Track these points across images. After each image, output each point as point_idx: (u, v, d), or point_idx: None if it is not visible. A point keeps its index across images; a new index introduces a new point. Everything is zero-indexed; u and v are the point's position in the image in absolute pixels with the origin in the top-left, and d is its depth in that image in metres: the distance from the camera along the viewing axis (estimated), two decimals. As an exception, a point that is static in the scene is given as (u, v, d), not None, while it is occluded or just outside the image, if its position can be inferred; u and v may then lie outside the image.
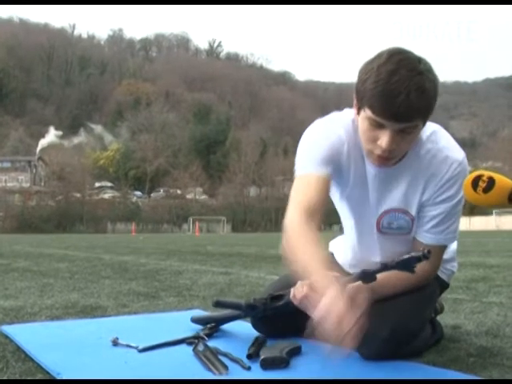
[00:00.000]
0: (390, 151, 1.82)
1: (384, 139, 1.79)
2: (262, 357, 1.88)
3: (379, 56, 1.79)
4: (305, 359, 1.97)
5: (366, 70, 1.79)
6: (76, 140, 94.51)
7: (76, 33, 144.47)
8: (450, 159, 1.96)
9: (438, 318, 2.57)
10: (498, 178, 1.55)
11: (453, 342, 2.37)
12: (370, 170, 2.01)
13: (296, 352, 2.01)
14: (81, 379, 1.73)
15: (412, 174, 1.99)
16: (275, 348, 1.95)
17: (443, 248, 2.08)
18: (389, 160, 1.89)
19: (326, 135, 2.02)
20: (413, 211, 2.03)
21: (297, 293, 1.88)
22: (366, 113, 1.80)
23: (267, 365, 1.85)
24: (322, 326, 1.56)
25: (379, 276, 1.85)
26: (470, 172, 1.67)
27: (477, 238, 20.82)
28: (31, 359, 2.01)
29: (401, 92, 1.70)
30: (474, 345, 2.30)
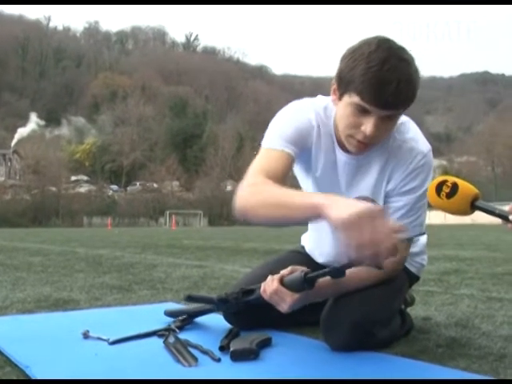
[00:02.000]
0: (373, 136, 1.84)
1: (368, 125, 1.81)
2: (231, 348, 1.88)
3: (368, 43, 1.79)
4: (274, 351, 1.98)
5: (355, 56, 1.79)
6: (58, 131, 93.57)
7: (51, 25, 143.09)
8: (415, 151, 1.99)
9: (410, 309, 2.59)
10: (462, 184, 1.57)
11: (423, 333, 2.39)
12: (341, 157, 2.04)
13: (266, 343, 2.02)
14: (49, 371, 1.73)
15: (381, 164, 2.02)
16: (245, 340, 1.95)
17: (409, 241, 2.08)
18: (368, 146, 1.91)
19: (297, 117, 2.04)
20: (380, 201, 2.05)
21: (267, 287, 1.90)
22: (352, 99, 1.80)
23: (236, 356, 1.86)
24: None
25: (352, 271, 1.90)
26: (445, 173, 1.69)
27: (451, 232, 21.01)
28: (0, 352, 1.99)
29: (392, 81, 1.72)
30: (443, 336, 2.32)
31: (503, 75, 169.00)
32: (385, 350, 2.01)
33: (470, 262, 6.33)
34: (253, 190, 1.82)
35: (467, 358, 1.93)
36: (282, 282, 1.88)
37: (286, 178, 1.94)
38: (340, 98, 1.87)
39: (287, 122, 2.03)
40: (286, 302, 1.87)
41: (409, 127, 2.04)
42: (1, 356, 1.96)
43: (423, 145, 2.03)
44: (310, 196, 1.78)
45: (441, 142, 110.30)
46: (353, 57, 1.80)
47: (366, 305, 1.97)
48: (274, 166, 1.92)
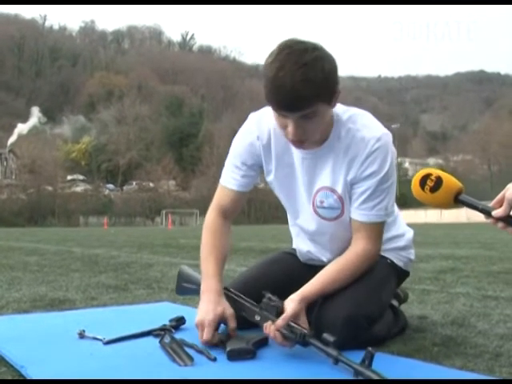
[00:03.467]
0: (299, 136, 1.93)
1: (289, 127, 1.92)
2: (228, 348, 1.88)
3: (272, 52, 1.90)
4: (271, 350, 1.97)
5: (264, 67, 1.90)
6: (59, 129, 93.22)
7: (47, 24, 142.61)
8: (368, 137, 2.05)
9: (406, 308, 2.59)
10: (446, 178, 1.58)
11: (418, 331, 2.39)
12: (298, 154, 2.14)
13: (263, 343, 2.01)
14: (44, 371, 1.72)
15: (335, 154, 2.10)
16: (242, 339, 1.95)
17: (378, 225, 2.13)
18: (302, 143, 2.00)
19: (241, 142, 2.26)
20: (339, 190, 2.12)
21: (273, 337, 1.90)
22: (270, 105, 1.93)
23: (233, 356, 1.86)
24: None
25: (327, 274, 2.06)
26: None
27: (447, 230, 21.04)
28: (-4, 352, 1.99)
29: (285, 86, 1.81)
30: (439, 334, 2.32)
31: (499, 74, 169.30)
32: (381, 349, 2.01)
33: (466, 261, 6.34)
34: (203, 238, 2.29)
35: (463, 357, 1.93)
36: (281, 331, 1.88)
37: (238, 207, 2.33)
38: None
39: (235, 151, 2.27)
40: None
41: (361, 116, 2.12)
42: (-4, 356, 1.95)
43: (376, 130, 2.08)
44: (203, 281, 2.21)
45: (437, 141, 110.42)
46: (264, 66, 1.90)
47: (354, 299, 2.01)
48: (227, 203, 2.30)
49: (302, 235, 2.37)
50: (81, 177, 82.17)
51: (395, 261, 2.31)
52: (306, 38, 1.93)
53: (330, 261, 2.20)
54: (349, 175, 2.08)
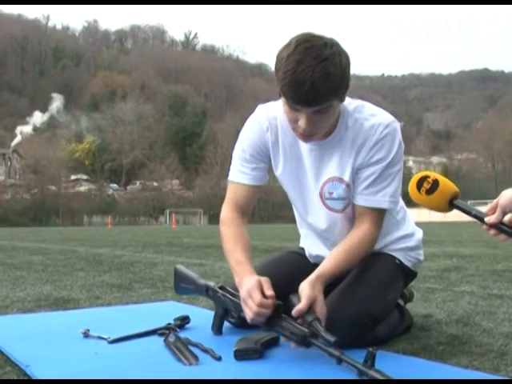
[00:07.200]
0: (310, 130, 1.93)
1: (302, 121, 1.91)
2: (235, 347, 1.87)
3: (288, 45, 1.87)
4: (279, 350, 1.96)
5: (278, 59, 1.88)
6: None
7: (50, 24, 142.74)
8: (376, 124, 2.06)
9: (411, 307, 2.59)
10: (443, 181, 1.59)
11: (423, 330, 2.39)
12: (305, 146, 2.13)
13: (273, 343, 1.99)
14: (49, 371, 1.72)
15: (343, 144, 2.10)
16: (251, 339, 1.93)
17: (381, 212, 2.12)
18: (311, 137, 2.00)
19: (250, 133, 2.22)
20: (347, 178, 2.11)
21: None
22: (283, 98, 1.92)
23: (240, 356, 1.85)
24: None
25: (338, 253, 2.04)
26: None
27: (451, 229, 21.01)
28: (1, 352, 1.99)
29: (305, 81, 1.79)
30: (445, 333, 2.32)
31: (503, 72, 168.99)
32: (386, 348, 2.01)
33: (470, 259, 6.33)
34: (223, 232, 2.22)
35: (468, 356, 1.93)
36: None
37: (252, 204, 2.29)
38: (280, 94, 1.95)
39: (244, 143, 2.23)
40: None
41: (367, 106, 2.12)
42: (1, 355, 1.95)
43: (384, 117, 2.09)
44: (236, 271, 2.11)
45: (440, 139, 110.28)
46: (278, 58, 1.88)
47: (360, 298, 2.02)
48: (241, 199, 2.24)
49: (312, 235, 2.36)
50: (84, 176, 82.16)
51: (404, 261, 2.30)
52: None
53: None
54: (357, 162, 2.08)
